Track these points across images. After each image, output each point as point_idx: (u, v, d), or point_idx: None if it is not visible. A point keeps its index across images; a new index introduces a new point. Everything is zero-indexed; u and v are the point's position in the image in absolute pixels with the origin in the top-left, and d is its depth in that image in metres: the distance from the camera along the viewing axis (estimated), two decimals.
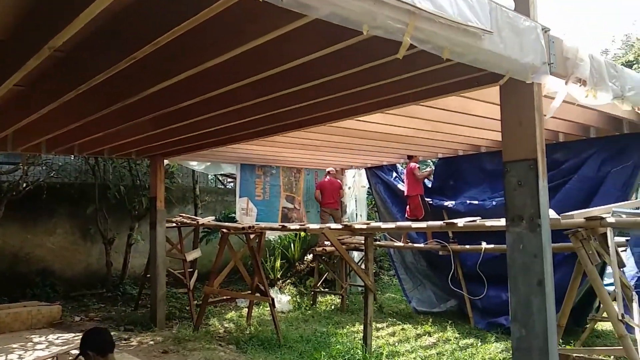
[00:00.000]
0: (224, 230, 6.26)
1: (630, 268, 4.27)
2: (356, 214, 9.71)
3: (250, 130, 4.91)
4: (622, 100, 3.74)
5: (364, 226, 4.81)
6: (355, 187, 9.65)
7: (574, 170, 6.30)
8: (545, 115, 3.56)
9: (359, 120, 4.83)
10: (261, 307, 8.51)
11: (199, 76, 3.09)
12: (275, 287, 9.72)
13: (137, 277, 9.22)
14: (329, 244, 8.59)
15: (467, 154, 7.70)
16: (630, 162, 5.59)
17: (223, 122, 4.47)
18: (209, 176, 11.20)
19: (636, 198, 5.58)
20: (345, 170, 9.92)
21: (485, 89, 3.81)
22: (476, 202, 7.26)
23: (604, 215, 2.95)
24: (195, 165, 8.25)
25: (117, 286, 9.03)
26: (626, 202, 3.86)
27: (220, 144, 5.73)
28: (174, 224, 7.90)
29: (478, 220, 4.26)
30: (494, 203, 6.94)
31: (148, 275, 7.94)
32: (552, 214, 3.23)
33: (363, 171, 9.59)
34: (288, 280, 10.38)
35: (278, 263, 10.15)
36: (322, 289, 9.12)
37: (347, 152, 7.80)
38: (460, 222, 4.02)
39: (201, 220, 7.49)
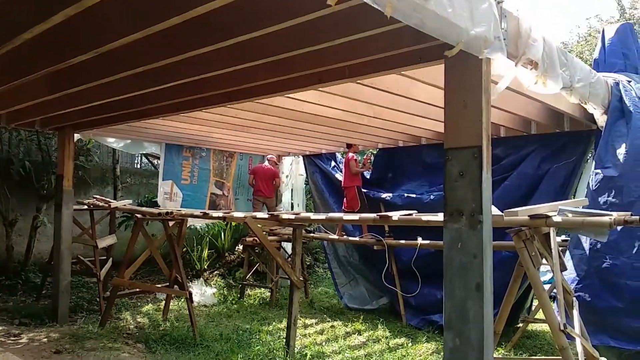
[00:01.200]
0: (138, 215, 5.62)
1: (569, 271, 4.12)
2: (292, 204, 9.29)
3: (168, 101, 4.32)
4: (571, 92, 3.52)
5: (292, 216, 4.40)
6: (292, 175, 9.21)
7: (513, 167, 6.20)
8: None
9: (294, 99, 4.37)
10: (182, 300, 7.92)
11: (88, 19, 2.52)
12: (201, 279, 9.14)
13: (43, 264, 8.32)
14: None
15: (407, 145, 7.47)
16: (570, 160, 5.51)
17: (133, 88, 3.86)
18: (136, 156, 10.35)
19: (574, 198, 5.51)
20: (283, 158, 9.45)
21: (430, 71, 3.49)
22: (414, 195, 7.04)
23: (549, 214, 2.70)
24: (112, 142, 7.47)
25: (18, 273, 8.09)
26: (573, 200, 3.68)
27: (135, 117, 5.08)
28: (86, 207, 7.13)
29: (414, 214, 3.95)
30: (432, 197, 6.75)
31: (52, 263, 7.12)
32: (495, 210, 2.95)
33: (301, 159, 9.17)
34: (216, 272, 9.82)
35: (205, 253, 9.56)
36: (251, 282, 8.64)
37: (284, 138, 7.34)
38: (395, 215, 3.70)
39: (114, 203, 6.77)
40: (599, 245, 3.97)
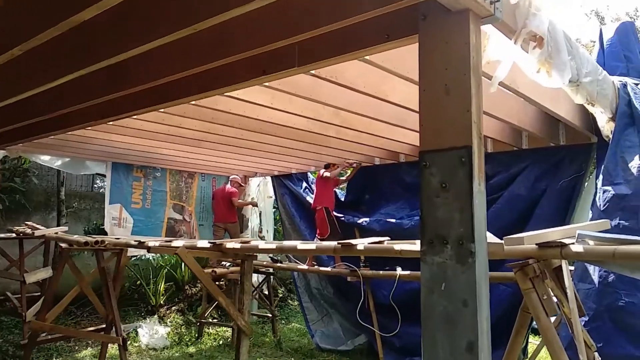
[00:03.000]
0: (63, 245, 4.79)
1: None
2: (261, 230, 8.50)
3: (88, 101, 3.57)
4: (577, 88, 2.89)
5: (238, 245, 3.66)
6: (260, 198, 8.45)
7: (503, 187, 5.56)
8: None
9: (242, 100, 3.66)
10: (130, 340, 7.01)
11: None
12: (156, 316, 8.24)
13: None
14: (225, 265, 7.35)
15: (385, 163, 6.81)
16: (570, 178, 4.89)
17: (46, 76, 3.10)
18: (82, 177, 9.48)
19: (573, 222, 4.86)
20: (250, 179, 8.71)
21: (404, 59, 2.84)
22: (393, 220, 6.34)
23: (566, 241, 2.02)
24: (48, 160, 6.65)
25: None
26: (591, 222, 3.02)
27: (56, 128, 4.31)
28: (14, 235, 6.26)
29: (386, 242, 3.23)
30: (412, 222, 6.06)
31: None
32: (490, 237, 2.25)
33: (269, 180, 8.44)
34: (175, 307, 8.92)
35: (162, 286, 8.67)
36: (211, 320, 7.77)
37: (247, 155, 6.62)
38: (360, 243, 2.98)
39: (41, 231, 5.90)
40: (611, 278, 3.30)
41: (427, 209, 1.97)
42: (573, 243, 2.02)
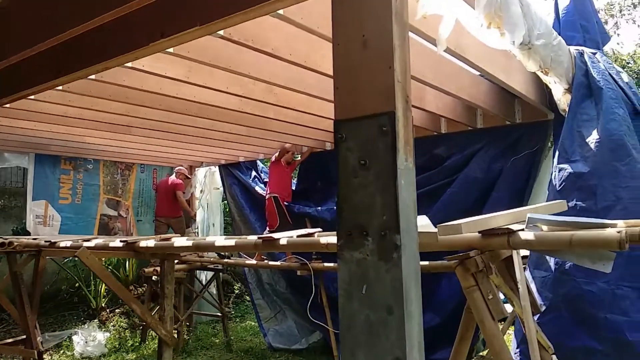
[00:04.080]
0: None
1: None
2: (208, 224, 8.02)
3: None
4: (529, 52, 2.57)
5: (152, 244, 3.21)
6: (207, 189, 7.97)
7: (459, 169, 5.28)
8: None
9: (156, 75, 3.20)
10: (62, 349, 6.47)
11: None
12: (96, 320, 7.68)
13: None
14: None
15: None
16: (525, 156, 4.65)
17: None
18: (14, 172, 8.74)
19: (529, 204, 4.63)
20: (196, 169, 8.20)
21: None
22: None
23: (514, 228, 1.68)
24: None
25: None
26: (544, 204, 2.70)
27: None
28: None
29: (317, 234, 2.84)
30: None
31: None
32: (425, 225, 1.90)
33: (217, 170, 7.96)
34: (118, 310, 8.37)
35: (103, 288, 8.08)
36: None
37: (188, 143, 6.14)
38: (283, 237, 2.59)
39: None
40: (568, 265, 3.03)
41: (344, 193, 1.59)
42: (522, 229, 1.69)
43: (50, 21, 2.38)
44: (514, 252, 1.90)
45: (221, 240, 2.69)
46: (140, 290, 9.07)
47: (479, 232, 1.73)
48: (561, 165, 3.30)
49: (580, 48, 3.70)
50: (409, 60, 1.60)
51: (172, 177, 7.62)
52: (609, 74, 3.50)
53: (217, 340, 7.23)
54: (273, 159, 6.43)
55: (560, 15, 4.46)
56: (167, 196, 7.38)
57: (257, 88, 3.61)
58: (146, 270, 6.77)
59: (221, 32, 2.40)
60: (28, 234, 6.36)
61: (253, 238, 2.50)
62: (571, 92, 3.40)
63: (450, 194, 5.19)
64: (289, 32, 2.51)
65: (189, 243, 2.83)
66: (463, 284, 1.76)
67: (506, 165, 4.94)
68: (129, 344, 6.94)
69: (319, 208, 6.20)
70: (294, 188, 6.88)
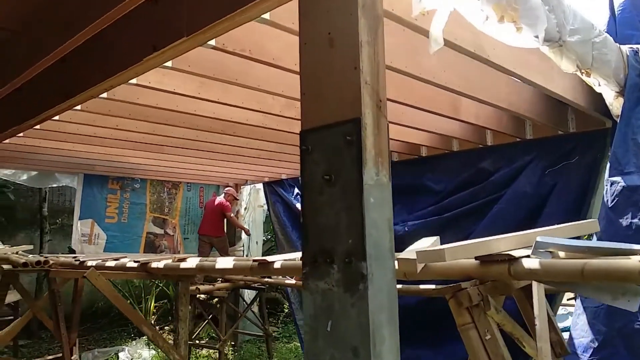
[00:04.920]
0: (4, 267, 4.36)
1: (580, 334, 2.78)
2: (251, 242, 8.00)
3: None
4: (560, 49, 2.27)
5: (161, 265, 3.12)
6: (250, 207, 7.96)
7: (507, 184, 4.88)
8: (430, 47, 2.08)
9: (156, 90, 3.15)
10: None
11: None
12: (144, 338, 7.80)
13: None
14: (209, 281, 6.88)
15: None
16: (582, 169, 4.23)
17: None
18: (69, 192, 9.19)
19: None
20: (242, 187, 8.24)
21: None
22: None
23: (516, 254, 1.41)
24: (10, 175, 6.32)
25: None
26: (571, 224, 2.35)
27: None
28: None
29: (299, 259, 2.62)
30: (405, 229, 5.43)
31: None
32: (425, 244, 1.66)
33: (261, 187, 7.94)
34: (167, 327, 8.49)
35: (152, 305, 8.24)
36: (197, 342, 7.28)
37: (226, 161, 6.15)
38: (277, 261, 2.39)
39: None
40: None
41: (309, 213, 1.40)
42: (527, 256, 1.41)
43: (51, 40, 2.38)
44: (535, 284, 1.61)
45: (222, 263, 2.58)
46: (190, 307, 9.20)
47: (477, 258, 1.47)
48: (613, 179, 2.91)
49: (635, 46, 3.29)
50: (383, 58, 1.40)
51: (220, 198, 7.68)
52: None
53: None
54: None
55: (616, 13, 4.03)
56: (211, 216, 7.44)
57: (277, 102, 3.50)
58: (191, 288, 6.79)
59: (212, 42, 2.30)
60: (74, 252, 6.59)
61: (249, 261, 2.36)
62: (624, 94, 3.00)
63: (497, 211, 4.80)
64: (288, 40, 2.37)
65: (193, 265, 2.74)
66: (457, 321, 1.50)
67: (560, 179, 4.51)
68: None
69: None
70: None
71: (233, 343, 7.78)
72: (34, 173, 6.41)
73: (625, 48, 3.18)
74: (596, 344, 2.75)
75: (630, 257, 1.20)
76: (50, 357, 5.06)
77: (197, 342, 7.21)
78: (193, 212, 7.93)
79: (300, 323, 6.95)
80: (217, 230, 7.38)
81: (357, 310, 1.25)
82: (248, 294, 7.73)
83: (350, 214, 1.29)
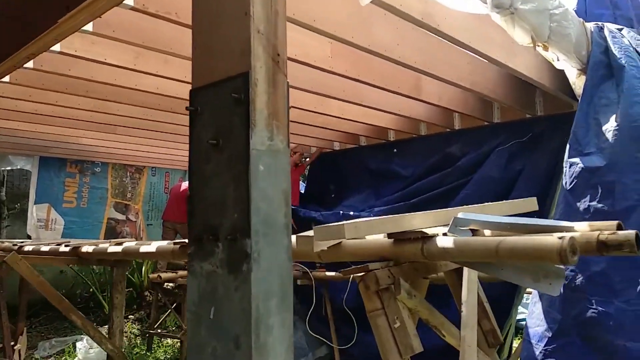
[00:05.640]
0: None
1: (536, 320, 2.67)
2: None
3: None
4: (512, 17, 2.12)
5: (91, 249, 2.93)
6: None
7: (474, 168, 4.76)
8: None
9: (86, 59, 2.91)
10: (64, 355, 6.39)
11: None
12: (106, 326, 7.59)
13: None
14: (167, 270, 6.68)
15: (345, 148, 6.05)
16: (549, 153, 4.12)
17: None
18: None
19: (552, 207, 4.07)
20: None
21: None
22: (352, 212, 5.57)
23: (430, 231, 1.25)
24: None
25: None
26: (510, 201, 2.20)
27: None
28: None
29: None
30: (371, 215, 5.28)
31: None
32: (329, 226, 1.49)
33: None
34: (132, 316, 8.27)
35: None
36: (159, 331, 7.09)
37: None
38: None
39: None
40: (579, 280, 2.52)
41: (196, 184, 1.23)
42: (442, 234, 1.26)
43: None
44: (466, 269, 1.46)
45: (145, 247, 2.40)
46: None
47: (390, 235, 1.31)
48: (572, 160, 2.79)
49: (600, 23, 3.16)
50: (284, 7, 1.22)
51: (186, 183, 7.46)
52: (636, 50, 2.95)
53: None
54: None
55: None
56: (177, 202, 7.22)
57: None
58: (151, 275, 6.60)
59: (131, 3, 2.09)
60: (30, 238, 6.34)
61: (171, 245, 2.19)
62: (586, 72, 2.87)
63: (464, 196, 4.68)
64: None
65: (119, 249, 2.56)
66: (366, 306, 1.35)
67: (527, 163, 4.40)
68: (135, 352, 6.78)
69: (325, 212, 5.80)
70: (302, 191, 6.54)
71: None
72: None
73: (590, 24, 3.04)
74: (551, 333, 2.64)
75: (553, 234, 1.05)
76: None
77: (159, 331, 7.02)
78: (158, 197, 7.70)
79: None
80: (182, 216, 7.16)
81: (240, 295, 1.09)
82: None
83: (238, 185, 1.12)
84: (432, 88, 3.68)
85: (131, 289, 8.59)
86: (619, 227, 1.21)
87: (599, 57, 2.91)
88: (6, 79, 3.05)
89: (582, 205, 2.63)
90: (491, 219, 1.30)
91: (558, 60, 2.77)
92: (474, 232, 1.32)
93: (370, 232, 1.31)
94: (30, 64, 2.78)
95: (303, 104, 3.95)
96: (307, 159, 6.43)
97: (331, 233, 1.24)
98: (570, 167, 2.77)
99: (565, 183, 2.78)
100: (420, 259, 1.27)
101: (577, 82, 3.00)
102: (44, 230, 6.42)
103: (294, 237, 1.36)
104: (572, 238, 0.98)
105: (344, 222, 1.28)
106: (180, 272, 6.53)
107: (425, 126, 5.13)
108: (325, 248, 1.33)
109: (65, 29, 2.20)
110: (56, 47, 2.53)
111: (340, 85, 3.55)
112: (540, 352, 2.63)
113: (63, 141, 5.73)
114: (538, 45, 2.43)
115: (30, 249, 3.42)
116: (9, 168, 6.58)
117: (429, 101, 3.82)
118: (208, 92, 1.20)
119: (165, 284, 6.99)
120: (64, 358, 6.32)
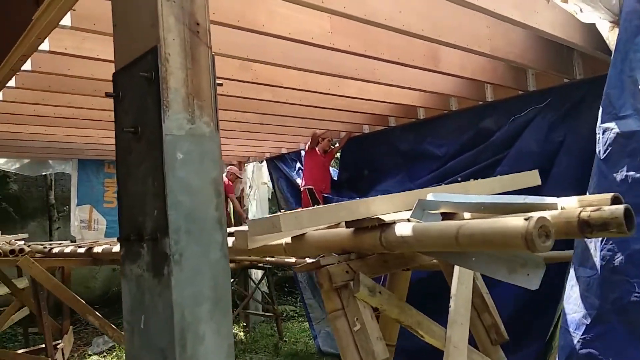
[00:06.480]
0: None
1: (573, 306, 2.42)
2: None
3: None
4: None
5: (100, 249, 2.89)
6: (255, 184, 7.73)
7: (510, 143, 4.43)
8: None
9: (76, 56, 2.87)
10: (115, 351, 6.58)
11: None
12: None
13: None
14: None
15: (375, 130, 5.82)
16: (592, 119, 3.75)
17: None
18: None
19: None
20: (245, 165, 8.01)
21: None
22: None
23: (388, 218, 1.06)
24: (1, 163, 6.27)
25: None
26: (508, 176, 1.93)
27: None
28: None
29: None
30: None
31: None
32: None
33: (264, 164, 7.69)
34: None
35: None
36: None
37: (233, 137, 5.91)
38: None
39: None
40: (618, 260, 2.24)
41: (121, 178, 1.11)
42: (403, 221, 1.07)
43: None
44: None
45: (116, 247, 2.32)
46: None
47: (347, 225, 1.13)
48: (606, 125, 2.48)
49: None
50: None
51: (222, 177, 7.48)
52: None
53: (271, 341, 6.98)
54: (306, 148, 5.97)
55: None
56: None
57: (229, 66, 3.18)
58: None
59: None
60: (74, 239, 6.55)
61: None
62: (619, 23, 2.54)
63: (499, 174, 4.37)
64: None
65: (83, 250, 2.49)
66: (325, 307, 1.18)
67: (569, 133, 4.03)
68: None
69: (358, 199, 5.62)
70: (335, 178, 6.38)
71: (245, 324, 7.66)
72: (26, 161, 6.37)
73: None
74: (589, 320, 2.38)
75: (522, 215, 0.83)
76: (34, 348, 5.00)
77: None
78: None
79: (309, 302, 6.73)
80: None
81: (163, 301, 0.96)
82: (256, 274, 7.57)
83: (155, 176, 0.99)
84: (451, 58, 3.41)
85: None
86: (615, 201, 0.98)
87: (633, 5, 2.56)
88: (12, 83, 3.08)
89: (618, 175, 2.32)
90: (464, 199, 1.09)
91: (582, 12, 2.46)
92: (450, 216, 1.12)
93: (316, 222, 1.14)
94: (28, 66, 2.76)
95: (316, 86, 3.78)
96: (337, 145, 6.26)
97: (266, 226, 1.08)
98: (603, 133, 2.46)
99: (599, 152, 2.48)
100: (380, 250, 1.09)
101: (610, 36, 2.67)
102: (87, 230, 6.61)
103: (233, 233, 1.21)
104: (541, 219, 0.78)
105: (282, 212, 1.12)
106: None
107: (456, 101, 4.82)
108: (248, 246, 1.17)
109: (44, 25, 2.14)
110: (44, 47, 2.49)
111: (352, 64, 3.35)
112: (579, 341, 2.37)
113: (97, 142, 5.84)
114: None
115: (57, 251, 3.47)
116: (48, 172, 6.81)
117: (451, 72, 3.55)
118: (126, 74, 1.08)
119: None
120: (115, 353, 6.52)
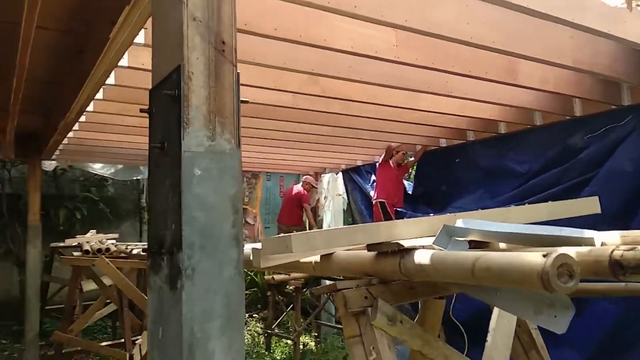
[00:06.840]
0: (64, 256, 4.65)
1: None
2: None
3: None
4: None
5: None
6: (330, 196, 7.77)
7: (600, 162, 4.09)
8: None
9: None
10: None
11: None
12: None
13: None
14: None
15: (452, 144, 5.63)
16: None
17: None
18: None
19: None
20: (321, 175, 8.08)
21: None
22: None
23: (408, 243, 0.98)
24: (99, 168, 6.82)
25: None
26: (546, 203, 1.74)
27: None
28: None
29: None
30: None
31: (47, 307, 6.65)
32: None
33: (340, 176, 7.72)
34: (256, 315, 8.66)
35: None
36: (275, 331, 7.29)
37: (304, 150, 6.03)
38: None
39: (70, 241, 5.80)
40: None
41: (151, 191, 1.16)
42: (422, 247, 0.99)
43: None
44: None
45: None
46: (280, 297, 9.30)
47: (369, 247, 1.07)
48: None
49: None
50: None
51: (298, 187, 7.61)
52: None
53: (341, 354, 6.93)
54: (380, 160, 5.91)
55: None
56: (289, 205, 7.39)
57: (296, 80, 3.24)
58: (266, 277, 6.81)
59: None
60: None
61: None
62: None
63: (588, 195, 4.02)
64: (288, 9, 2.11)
65: None
66: (344, 331, 1.12)
67: None
68: (255, 351, 7.05)
69: (431, 214, 5.45)
70: (410, 192, 6.24)
71: (316, 334, 7.68)
72: (119, 166, 6.88)
73: None
74: None
75: (533, 255, 0.72)
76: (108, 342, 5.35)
77: (276, 331, 7.22)
78: (273, 201, 7.96)
79: None
80: (295, 219, 7.31)
81: (176, 315, 0.98)
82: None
83: (175, 192, 1.01)
84: (530, 70, 3.21)
85: (255, 289, 9.00)
86: None
87: None
88: (100, 95, 3.35)
89: None
90: (495, 227, 1.00)
91: None
92: (482, 246, 1.03)
93: (330, 243, 1.10)
94: (111, 80, 2.99)
95: (386, 99, 3.73)
96: (412, 158, 6.13)
97: (279, 246, 1.06)
98: None
99: None
100: (399, 277, 1.02)
101: None
102: None
103: (249, 249, 1.21)
104: (561, 256, 0.69)
105: (295, 233, 1.09)
106: (293, 274, 6.65)
107: (540, 115, 4.53)
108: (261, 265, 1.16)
109: (121, 42, 2.30)
110: (124, 62, 2.68)
111: (421, 77, 3.27)
112: None
113: None
114: (638, 4, 1.94)
115: (135, 253, 3.71)
116: (139, 177, 7.32)
117: (530, 86, 3.35)
118: (156, 92, 1.12)
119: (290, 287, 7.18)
120: None
